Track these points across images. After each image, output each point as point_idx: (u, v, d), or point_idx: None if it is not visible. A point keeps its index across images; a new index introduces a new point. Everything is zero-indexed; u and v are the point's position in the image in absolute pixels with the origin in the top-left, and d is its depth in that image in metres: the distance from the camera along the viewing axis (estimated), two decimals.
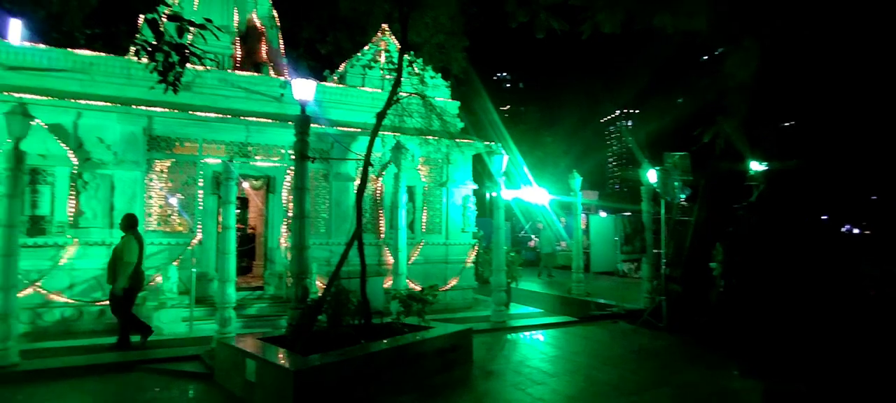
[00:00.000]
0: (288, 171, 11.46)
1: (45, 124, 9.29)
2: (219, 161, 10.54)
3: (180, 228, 10.63)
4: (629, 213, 22.40)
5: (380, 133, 8.29)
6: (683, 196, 11.51)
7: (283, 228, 11.46)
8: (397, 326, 7.85)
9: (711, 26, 9.66)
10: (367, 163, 7.87)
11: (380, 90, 12.54)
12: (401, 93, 8.35)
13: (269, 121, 10.98)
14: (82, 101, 9.55)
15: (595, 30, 9.95)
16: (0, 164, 7.47)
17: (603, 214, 23.67)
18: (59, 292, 9.45)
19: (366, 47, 13.44)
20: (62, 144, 9.58)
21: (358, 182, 8.34)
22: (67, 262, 9.56)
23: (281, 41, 14.17)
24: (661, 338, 9.86)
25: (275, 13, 13.92)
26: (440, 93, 13.13)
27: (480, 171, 16.79)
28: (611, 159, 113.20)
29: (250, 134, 11.16)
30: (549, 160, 33.44)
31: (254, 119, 10.85)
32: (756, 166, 11.62)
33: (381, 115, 7.99)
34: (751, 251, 10.78)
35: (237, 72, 11.83)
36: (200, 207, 10.79)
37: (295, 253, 7.57)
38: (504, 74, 48.47)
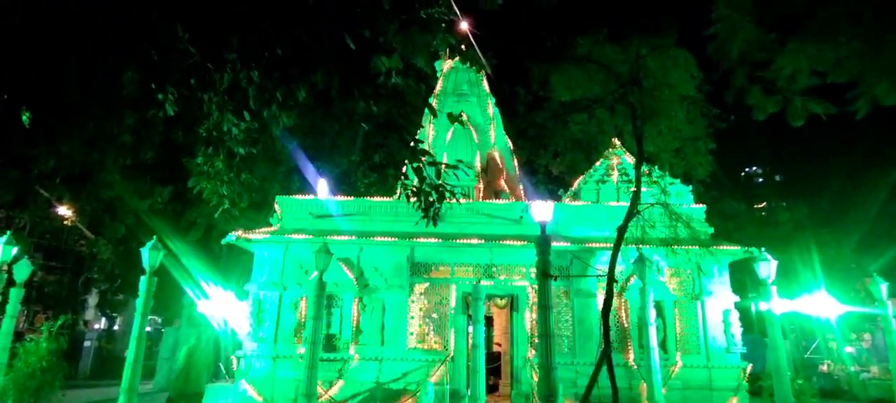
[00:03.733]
0: (530, 290, 11.79)
1: (339, 258, 11.49)
2: (467, 282, 11.48)
3: (435, 346, 11.62)
4: None
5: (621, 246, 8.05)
6: None
7: (528, 346, 11.58)
8: None
9: None
10: (611, 278, 7.64)
11: (615, 203, 12.36)
12: (640, 205, 8.09)
13: (511, 242, 11.66)
14: (364, 238, 11.63)
15: (874, 104, 8.29)
16: (309, 292, 9.42)
17: None
18: (344, 401, 11.01)
19: (597, 163, 13.59)
20: (349, 274, 11.66)
21: (600, 297, 8.09)
22: (350, 374, 11.19)
23: (516, 167, 15.33)
24: None
25: (510, 144, 15.27)
26: (683, 198, 12.30)
27: (742, 281, 14.68)
28: None
29: (494, 255, 11.96)
30: (833, 261, 27.36)
31: (497, 241, 11.66)
32: None
33: (621, 229, 7.82)
34: None
35: (480, 200, 13.07)
36: (451, 327, 11.70)
37: (542, 373, 7.53)
38: (754, 169, 43.03)
